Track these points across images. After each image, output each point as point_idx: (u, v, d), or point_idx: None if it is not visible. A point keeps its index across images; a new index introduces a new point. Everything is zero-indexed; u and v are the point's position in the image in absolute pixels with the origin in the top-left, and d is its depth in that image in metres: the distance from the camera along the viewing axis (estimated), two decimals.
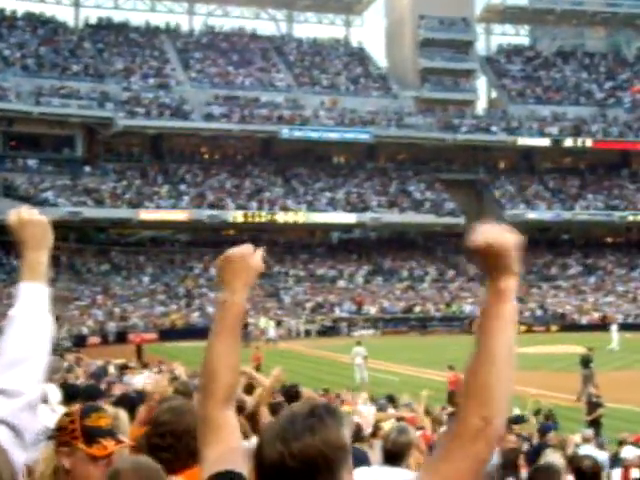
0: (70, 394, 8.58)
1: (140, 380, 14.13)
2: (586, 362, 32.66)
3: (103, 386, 11.59)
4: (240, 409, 9.70)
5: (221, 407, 2.87)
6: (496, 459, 8.23)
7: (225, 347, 2.99)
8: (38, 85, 72.47)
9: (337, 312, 66.95)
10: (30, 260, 3.26)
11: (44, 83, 73.06)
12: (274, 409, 9.02)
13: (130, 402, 8.86)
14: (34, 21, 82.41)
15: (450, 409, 19.94)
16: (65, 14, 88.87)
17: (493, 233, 2.42)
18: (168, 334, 59.21)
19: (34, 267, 3.27)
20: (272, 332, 57.86)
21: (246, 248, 3.11)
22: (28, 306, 3.14)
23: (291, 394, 10.74)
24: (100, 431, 3.90)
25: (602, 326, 61.03)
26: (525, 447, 11.33)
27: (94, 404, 4.71)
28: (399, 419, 11.75)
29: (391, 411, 12.75)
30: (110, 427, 4.01)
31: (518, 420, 14.24)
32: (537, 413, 18.75)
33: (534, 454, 10.28)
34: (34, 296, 3.18)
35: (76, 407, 4.10)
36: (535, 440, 12.49)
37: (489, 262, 2.44)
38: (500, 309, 2.40)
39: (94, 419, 3.91)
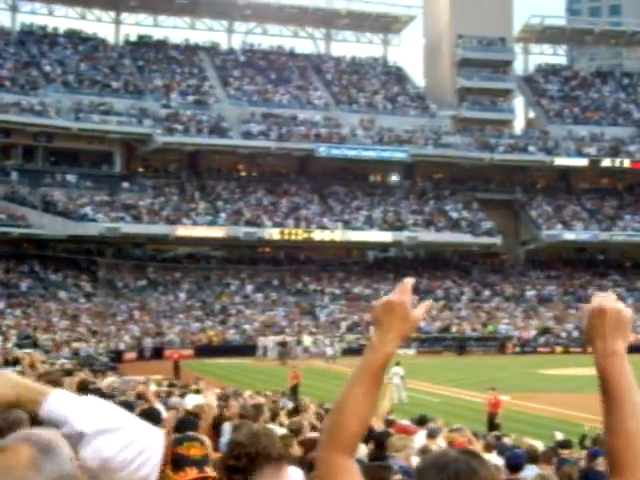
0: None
1: (192, 401, 14.19)
2: None
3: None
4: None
5: (344, 455, 2.70)
6: None
7: (362, 395, 2.72)
8: (78, 101, 73.10)
9: (373, 331, 66.74)
10: None
11: (84, 99, 73.67)
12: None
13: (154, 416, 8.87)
14: (75, 38, 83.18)
15: (497, 433, 19.89)
16: (106, 31, 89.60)
17: (611, 299, 2.69)
18: (204, 350, 59.38)
19: None
20: (330, 349, 57.61)
21: (405, 291, 2.80)
22: None
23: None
24: (187, 460, 3.97)
25: None
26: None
27: (191, 434, 4.78)
28: (450, 443, 11.73)
29: (441, 439, 12.70)
30: (200, 457, 4.07)
31: (565, 445, 14.17)
32: (583, 438, 18.60)
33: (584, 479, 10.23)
34: None
35: (173, 435, 4.18)
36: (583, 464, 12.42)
37: (606, 326, 2.63)
38: (621, 367, 2.57)
39: (185, 448, 3.98)
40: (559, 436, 17.03)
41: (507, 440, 16.97)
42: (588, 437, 18.58)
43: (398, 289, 2.81)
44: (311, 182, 79.27)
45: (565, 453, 13.27)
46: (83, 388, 14.25)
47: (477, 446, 12.88)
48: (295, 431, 9.56)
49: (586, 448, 17.12)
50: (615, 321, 2.63)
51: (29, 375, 14.09)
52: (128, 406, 11.74)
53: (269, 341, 60.38)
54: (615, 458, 2.47)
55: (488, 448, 12.84)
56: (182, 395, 15.87)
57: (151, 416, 8.77)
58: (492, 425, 27.06)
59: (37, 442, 2.23)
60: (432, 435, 12.44)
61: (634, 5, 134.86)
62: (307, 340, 61.65)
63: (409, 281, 2.83)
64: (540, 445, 15.27)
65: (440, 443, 12.07)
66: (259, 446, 4.64)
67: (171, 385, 20.73)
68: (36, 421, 2.82)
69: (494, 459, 11.96)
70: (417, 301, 2.84)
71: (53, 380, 11.40)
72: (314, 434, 9.54)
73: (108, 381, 19.42)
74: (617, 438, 2.46)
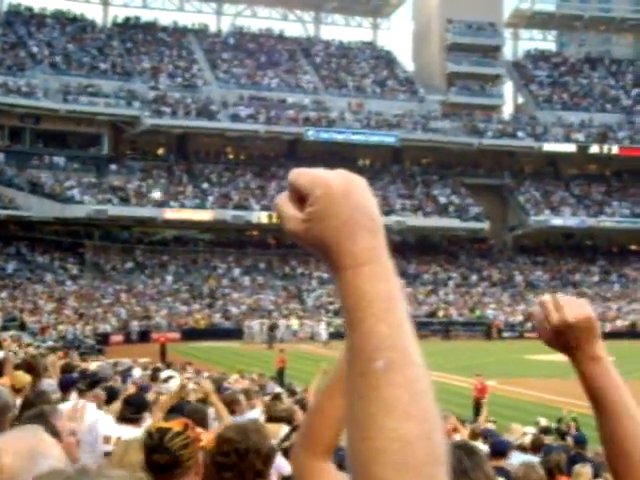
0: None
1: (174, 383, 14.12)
2: None
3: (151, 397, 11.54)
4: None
5: (320, 458, 2.53)
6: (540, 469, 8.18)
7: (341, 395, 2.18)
8: (66, 83, 72.79)
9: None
10: None
11: (72, 81, 73.36)
12: None
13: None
14: (63, 19, 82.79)
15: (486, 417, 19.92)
16: (94, 12, 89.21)
17: (574, 306, 2.24)
18: (191, 334, 59.31)
19: None
20: (324, 334, 57.49)
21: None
22: None
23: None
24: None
25: (628, 334, 60.93)
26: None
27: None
28: None
29: None
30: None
31: (547, 431, 14.18)
32: (559, 421, 18.67)
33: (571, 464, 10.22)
34: None
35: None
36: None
37: (578, 335, 2.24)
38: (607, 370, 2.29)
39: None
40: (543, 422, 17.05)
41: (491, 426, 17.01)
42: (564, 421, 18.66)
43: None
44: (299, 165, 76.25)
45: (550, 439, 13.29)
46: (68, 370, 14.21)
47: (463, 433, 12.88)
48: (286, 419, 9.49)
49: (562, 432, 17.21)
50: (586, 329, 2.23)
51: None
52: (113, 392, 11.71)
53: (256, 324, 60.37)
54: (619, 466, 2.23)
55: (474, 436, 12.81)
56: (167, 379, 15.82)
57: (137, 402, 8.71)
58: (478, 410, 27.10)
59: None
60: None
61: None
62: (295, 323, 61.64)
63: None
64: (531, 430, 15.30)
65: None
66: (249, 442, 4.55)
67: (156, 370, 20.67)
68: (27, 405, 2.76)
69: (479, 446, 11.95)
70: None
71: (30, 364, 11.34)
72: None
73: (97, 364, 19.35)
74: (614, 445, 2.22)
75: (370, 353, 1.37)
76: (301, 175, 1.50)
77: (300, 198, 1.46)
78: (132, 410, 8.42)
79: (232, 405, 9.66)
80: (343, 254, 1.42)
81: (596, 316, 2.25)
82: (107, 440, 8.20)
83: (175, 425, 4.55)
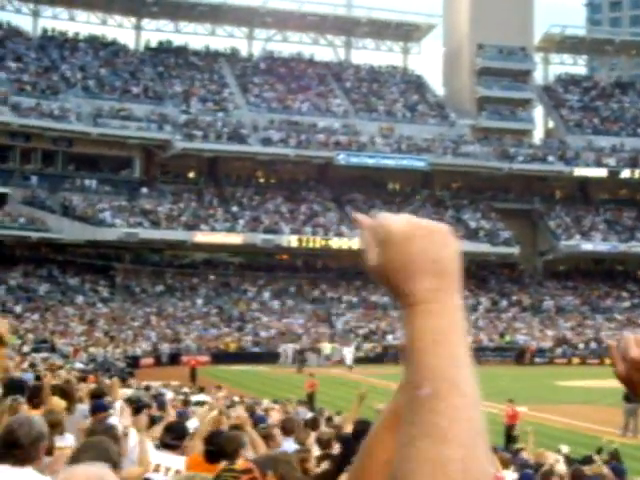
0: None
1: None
2: (628, 396, 32.15)
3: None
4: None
5: None
6: None
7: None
8: (98, 106, 73.37)
9: (389, 339, 66.71)
10: None
11: (104, 105, 73.93)
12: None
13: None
14: (96, 43, 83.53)
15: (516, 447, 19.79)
16: (126, 37, 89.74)
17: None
18: (220, 357, 59.42)
19: None
20: (349, 358, 57.50)
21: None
22: None
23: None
24: None
25: None
26: None
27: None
28: None
29: None
30: None
31: (587, 461, 14.08)
32: (599, 452, 18.49)
33: None
34: None
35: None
36: None
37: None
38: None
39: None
40: (565, 449, 16.90)
41: (524, 454, 16.90)
42: (605, 450, 18.49)
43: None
44: (329, 190, 79.27)
45: (586, 469, 13.19)
46: (98, 395, 14.23)
47: (495, 462, 12.81)
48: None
49: (604, 462, 17.04)
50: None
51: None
52: (152, 418, 11.76)
53: (288, 348, 60.44)
54: None
55: (505, 464, 12.75)
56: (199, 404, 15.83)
57: (178, 429, 8.77)
58: (509, 437, 26.97)
59: None
60: None
61: None
62: (327, 348, 61.56)
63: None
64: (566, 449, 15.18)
65: None
66: (276, 474, 4.60)
67: (187, 393, 20.70)
68: None
69: (509, 476, 11.91)
70: None
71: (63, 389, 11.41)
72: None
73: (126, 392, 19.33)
74: None
75: (417, 383, 1.44)
76: (369, 219, 1.59)
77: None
78: (173, 436, 8.50)
79: (267, 440, 9.69)
80: (404, 294, 1.52)
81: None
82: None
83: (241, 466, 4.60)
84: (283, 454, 5.19)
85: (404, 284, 1.53)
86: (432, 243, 1.56)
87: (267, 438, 9.74)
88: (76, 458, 4.77)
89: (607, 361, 65.19)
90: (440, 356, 1.46)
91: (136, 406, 11.89)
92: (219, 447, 7.41)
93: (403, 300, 1.53)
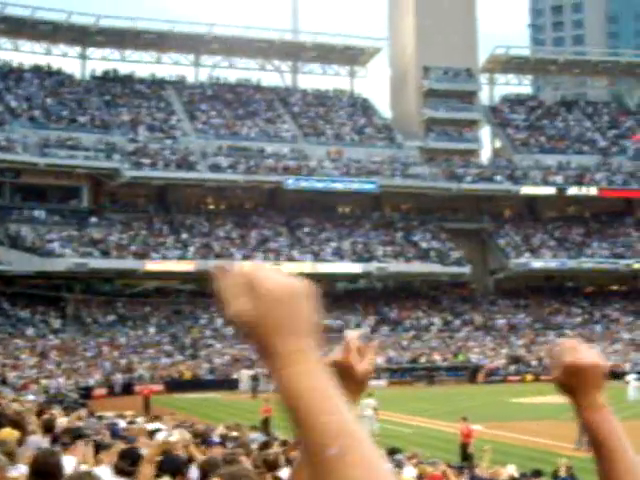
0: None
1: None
2: None
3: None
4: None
5: None
6: None
7: None
8: (44, 136, 72.91)
9: None
10: None
11: (50, 134, 73.52)
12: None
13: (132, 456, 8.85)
14: (41, 73, 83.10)
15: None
16: (72, 66, 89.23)
17: (590, 352, 2.28)
18: (175, 385, 59.02)
19: None
20: None
21: (348, 350, 2.35)
22: None
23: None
24: None
25: (611, 375, 60.76)
26: None
27: None
28: (421, 475, 11.67)
29: (409, 468, 12.56)
30: None
31: (537, 474, 14.13)
32: (555, 477, 18.47)
33: None
34: None
35: None
36: None
37: (586, 380, 2.28)
38: (609, 419, 2.30)
39: None
40: (511, 469, 16.82)
41: (478, 471, 16.93)
42: (560, 468, 18.54)
43: (341, 348, 2.37)
44: (280, 214, 79.26)
45: None
46: (49, 427, 14.11)
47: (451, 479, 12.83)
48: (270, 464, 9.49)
49: (556, 475, 17.13)
50: (594, 376, 2.27)
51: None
52: (103, 447, 11.66)
53: (243, 374, 60.15)
54: None
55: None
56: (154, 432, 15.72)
57: (131, 455, 8.70)
58: (465, 455, 27.04)
59: None
60: (398, 466, 12.38)
61: (597, 35, 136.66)
62: None
63: (352, 336, 2.41)
64: (513, 470, 15.23)
65: (410, 474, 12.00)
66: None
67: (140, 422, 20.56)
68: None
69: None
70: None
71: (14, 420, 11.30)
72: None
73: (72, 417, 19.19)
74: None
75: (321, 444, 1.44)
76: (246, 270, 1.59)
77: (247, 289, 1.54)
78: (128, 463, 8.45)
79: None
80: (269, 353, 1.52)
81: (605, 368, 2.27)
82: None
83: None
84: (243, 469, 5.17)
85: (270, 343, 1.53)
86: (302, 304, 1.58)
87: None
88: None
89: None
90: (331, 411, 1.47)
91: (72, 435, 11.85)
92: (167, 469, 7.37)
93: (270, 361, 1.53)
